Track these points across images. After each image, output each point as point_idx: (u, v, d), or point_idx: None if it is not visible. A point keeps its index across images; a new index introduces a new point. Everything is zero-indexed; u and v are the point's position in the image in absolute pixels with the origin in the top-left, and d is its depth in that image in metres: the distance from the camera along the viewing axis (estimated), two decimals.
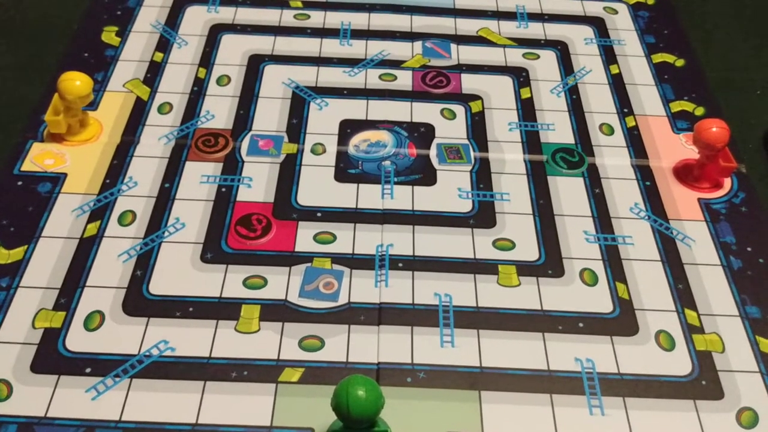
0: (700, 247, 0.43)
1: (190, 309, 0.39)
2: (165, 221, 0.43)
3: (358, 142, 0.48)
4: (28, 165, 0.46)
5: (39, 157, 0.46)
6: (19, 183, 0.44)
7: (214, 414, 0.35)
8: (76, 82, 0.44)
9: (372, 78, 0.52)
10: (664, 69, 0.55)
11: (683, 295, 0.41)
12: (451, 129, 0.49)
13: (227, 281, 0.40)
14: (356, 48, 0.55)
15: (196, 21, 0.56)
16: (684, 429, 0.35)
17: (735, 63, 0.56)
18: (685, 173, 0.47)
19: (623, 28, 0.58)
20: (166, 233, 0.42)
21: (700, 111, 0.52)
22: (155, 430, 0.34)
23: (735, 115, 0.51)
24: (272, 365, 0.37)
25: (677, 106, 0.52)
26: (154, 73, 0.52)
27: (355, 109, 0.50)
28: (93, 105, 0.49)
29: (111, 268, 0.40)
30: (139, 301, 0.39)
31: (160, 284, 0.40)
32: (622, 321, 0.40)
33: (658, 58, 0.56)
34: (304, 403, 0.36)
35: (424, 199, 0.45)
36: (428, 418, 0.35)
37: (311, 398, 0.36)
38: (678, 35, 0.58)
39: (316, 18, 0.57)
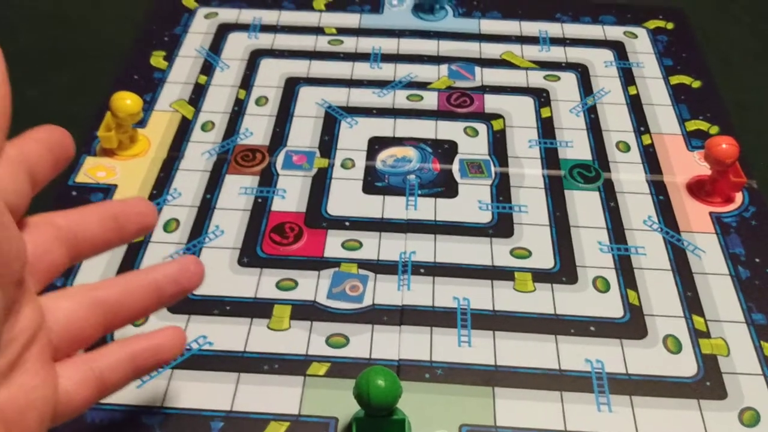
0: (709, 258, 0.45)
1: (227, 308, 0.42)
2: (206, 228, 0.46)
3: (385, 157, 0.51)
4: (82, 177, 0.50)
5: (92, 170, 0.50)
6: (74, 193, 0.48)
7: (247, 402, 0.38)
8: (127, 101, 0.48)
9: (400, 98, 0.56)
10: (681, 90, 0.57)
11: (691, 302, 0.43)
12: (474, 146, 0.52)
13: (261, 283, 0.43)
14: (385, 71, 0.58)
15: (237, 46, 0.60)
16: (687, 425, 0.37)
17: (750, 84, 0.58)
18: (697, 188, 0.49)
19: (642, 51, 0.61)
20: (207, 239, 0.46)
21: (714, 130, 0.54)
22: (194, 415, 0.37)
23: (749, 134, 0.53)
24: (301, 360, 0.40)
25: (692, 125, 0.54)
26: (198, 94, 0.56)
27: (383, 127, 0.54)
28: (142, 123, 0.53)
29: None
30: (181, 300, 0.42)
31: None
32: (631, 325, 0.42)
33: (676, 79, 0.58)
34: (330, 394, 0.38)
35: (446, 210, 0.48)
36: (445, 411, 0.38)
37: (336, 390, 0.39)
38: (696, 58, 0.60)
39: (349, 43, 0.61)
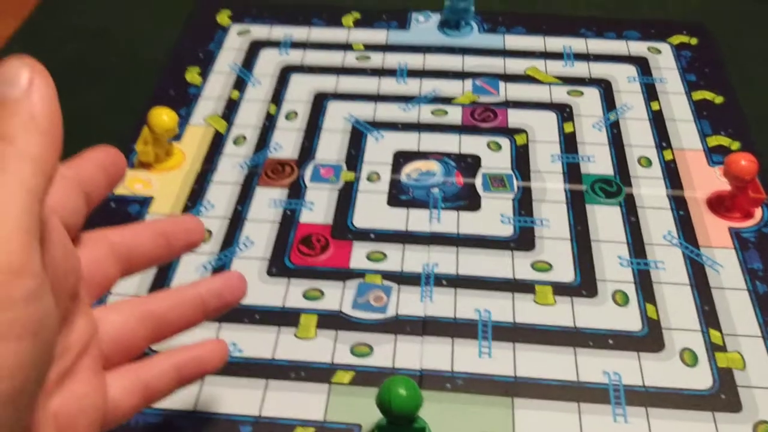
0: (727, 273, 0.46)
1: (257, 316, 0.44)
2: (237, 239, 0.48)
3: (410, 170, 0.53)
4: (120, 189, 0.52)
5: (129, 182, 0.52)
6: (113, 205, 0.51)
7: (274, 408, 0.40)
8: (164, 117, 0.51)
9: (424, 113, 0.57)
10: (704, 106, 0.58)
11: (709, 317, 0.44)
12: (497, 160, 0.54)
13: (289, 293, 0.45)
14: (411, 86, 0.60)
15: (268, 63, 0.62)
16: None
17: None
18: (717, 204, 0.50)
19: (666, 66, 0.62)
20: (238, 250, 0.48)
21: (735, 145, 0.54)
22: (223, 420, 0.39)
23: None
24: (326, 368, 0.42)
25: (714, 141, 0.55)
26: (230, 109, 0.58)
27: (408, 141, 0.55)
28: (177, 137, 0.55)
29: (190, 280, 0.45)
30: None
31: None
32: (649, 339, 0.43)
33: (698, 95, 0.59)
34: (354, 402, 0.40)
35: (469, 223, 0.49)
36: (465, 420, 0.39)
37: (360, 398, 0.40)
38: (719, 74, 0.61)
39: (376, 59, 0.62)
